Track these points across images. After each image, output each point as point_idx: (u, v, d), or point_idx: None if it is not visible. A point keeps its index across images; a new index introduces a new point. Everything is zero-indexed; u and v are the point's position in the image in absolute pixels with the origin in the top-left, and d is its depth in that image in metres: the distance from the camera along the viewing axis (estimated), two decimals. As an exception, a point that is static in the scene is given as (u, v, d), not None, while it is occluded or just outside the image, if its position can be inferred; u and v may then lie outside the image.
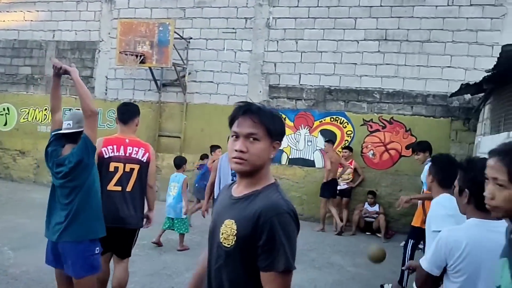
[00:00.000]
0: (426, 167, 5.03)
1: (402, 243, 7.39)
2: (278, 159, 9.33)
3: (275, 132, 1.63)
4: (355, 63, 9.06)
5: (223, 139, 9.58)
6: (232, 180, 4.75)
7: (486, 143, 6.35)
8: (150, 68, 9.68)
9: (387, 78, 8.89)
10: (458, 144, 8.41)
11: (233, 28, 9.82)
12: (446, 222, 2.56)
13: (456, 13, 8.47)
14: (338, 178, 8.43)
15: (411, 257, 4.86)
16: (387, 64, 8.88)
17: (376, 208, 8.36)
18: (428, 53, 8.64)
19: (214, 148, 8.04)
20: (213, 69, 9.96)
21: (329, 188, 8.29)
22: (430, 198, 4.79)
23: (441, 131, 8.39)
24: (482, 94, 7.25)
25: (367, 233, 8.33)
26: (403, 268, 4.62)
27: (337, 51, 9.15)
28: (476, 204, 2.03)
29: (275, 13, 9.55)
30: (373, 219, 8.31)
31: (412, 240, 4.98)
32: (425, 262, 2.12)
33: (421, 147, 5.76)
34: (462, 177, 2.12)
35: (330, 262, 6.21)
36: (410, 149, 8.49)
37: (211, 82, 9.97)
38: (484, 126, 7.25)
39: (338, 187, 8.54)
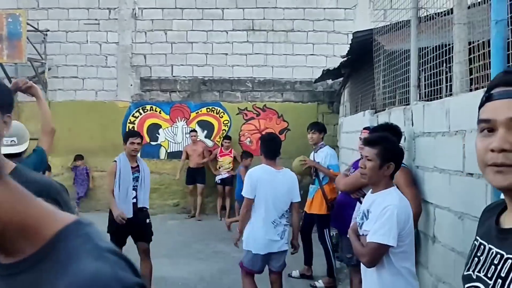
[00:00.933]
0: (326, 151, 5.05)
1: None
2: (157, 153, 9.09)
3: (2, 103, 1.25)
4: (226, 53, 9.19)
5: (94, 138, 9.04)
6: (134, 186, 4.37)
7: (347, 123, 6.97)
8: (1, 64, 8.60)
9: (258, 67, 9.19)
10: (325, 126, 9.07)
11: (96, 19, 9.19)
12: (245, 193, 3.66)
13: (315, 3, 9.06)
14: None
15: (334, 245, 4.88)
16: (256, 53, 9.17)
17: (256, 193, 8.63)
18: (293, 42, 9.13)
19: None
20: (76, 63, 9.24)
21: None
22: (330, 176, 5.01)
23: (309, 114, 8.93)
24: (342, 78, 7.92)
25: (250, 218, 8.59)
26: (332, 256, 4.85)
27: (208, 41, 9.17)
28: (391, 175, 2.40)
29: (140, 3, 9.18)
30: (255, 204, 8.59)
31: (326, 229, 4.96)
32: (383, 237, 2.20)
33: (318, 127, 5.31)
34: (382, 153, 2.35)
35: (216, 251, 6.26)
36: (284, 134, 8.96)
37: (76, 77, 9.24)
38: (345, 108, 7.94)
39: (220, 176, 8.66)
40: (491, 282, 0.94)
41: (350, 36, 8.67)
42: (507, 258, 0.92)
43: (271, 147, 3.78)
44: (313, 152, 5.24)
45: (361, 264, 2.47)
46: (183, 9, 9.15)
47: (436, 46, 3.31)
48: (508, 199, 0.99)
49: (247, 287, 3.76)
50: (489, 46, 2.59)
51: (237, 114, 9.21)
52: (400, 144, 2.68)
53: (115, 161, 4.47)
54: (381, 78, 4.80)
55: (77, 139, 8.68)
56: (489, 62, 2.43)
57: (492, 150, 0.92)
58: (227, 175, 8.70)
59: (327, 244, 4.95)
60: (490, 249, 1.00)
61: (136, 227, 4.39)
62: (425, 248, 3.13)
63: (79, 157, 8.34)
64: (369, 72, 5.41)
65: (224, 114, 9.24)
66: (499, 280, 0.92)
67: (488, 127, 0.95)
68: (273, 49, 9.16)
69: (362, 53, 5.51)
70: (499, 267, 0.94)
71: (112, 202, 4.41)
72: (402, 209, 2.28)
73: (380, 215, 2.25)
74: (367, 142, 2.46)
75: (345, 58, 6.05)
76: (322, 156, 5.02)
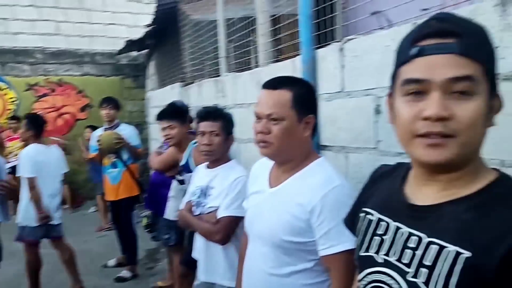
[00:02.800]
0: (128, 130, 4.54)
1: (92, 210, 7.16)
2: None
3: None
4: (6, 18, 7.74)
5: None
6: None
7: (156, 97, 6.68)
8: None
9: (49, 36, 8.02)
10: (131, 101, 8.58)
11: None
12: (30, 169, 3.78)
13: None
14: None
15: (149, 225, 4.21)
16: (46, 20, 7.98)
17: (57, 179, 7.70)
18: (89, 9, 8.26)
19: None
20: None
21: None
22: (138, 156, 4.58)
23: (114, 89, 8.25)
24: (147, 50, 7.54)
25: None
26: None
27: (-20, 2, 7.56)
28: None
29: None
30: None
31: (132, 212, 4.62)
32: (239, 209, 2.00)
33: (115, 102, 4.74)
34: (225, 126, 2.22)
35: (12, 252, 5.33)
36: (86, 111, 8.16)
37: None
38: (152, 81, 7.63)
39: (10, 164, 7.37)
40: (411, 270, 0.78)
41: (153, 5, 8.32)
42: (430, 243, 0.77)
43: (39, 127, 4.03)
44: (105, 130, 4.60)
45: (196, 244, 2.30)
46: None
47: (244, 17, 3.30)
48: (421, 172, 0.84)
49: (33, 258, 3.98)
50: (293, 17, 2.66)
51: (26, 90, 7.91)
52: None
53: None
54: (188, 49, 4.65)
55: None
56: (295, 32, 2.49)
57: (426, 118, 0.75)
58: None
59: (133, 229, 4.63)
60: (398, 228, 0.85)
61: None
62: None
63: None
64: (176, 43, 5.21)
65: (9, 90, 7.83)
66: (424, 270, 0.76)
67: (418, 89, 0.77)
68: (67, 16, 8.11)
69: (168, 23, 5.26)
70: (419, 253, 0.78)
71: None
72: None
73: (230, 188, 2.10)
74: (208, 116, 2.22)
75: (150, 28, 5.70)
76: (125, 135, 4.48)
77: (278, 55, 2.82)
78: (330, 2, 2.18)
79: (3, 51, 7.74)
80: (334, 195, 1.32)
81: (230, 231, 2.09)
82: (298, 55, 2.43)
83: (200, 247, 2.25)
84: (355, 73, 1.85)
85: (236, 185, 2.11)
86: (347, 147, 1.94)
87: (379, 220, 0.90)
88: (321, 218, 1.31)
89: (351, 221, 1.05)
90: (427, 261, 0.75)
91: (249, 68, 3.17)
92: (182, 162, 2.93)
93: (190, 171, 2.86)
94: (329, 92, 2.02)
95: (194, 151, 2.86)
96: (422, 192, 0.84)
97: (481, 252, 0.70)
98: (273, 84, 1.45)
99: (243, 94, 3.03)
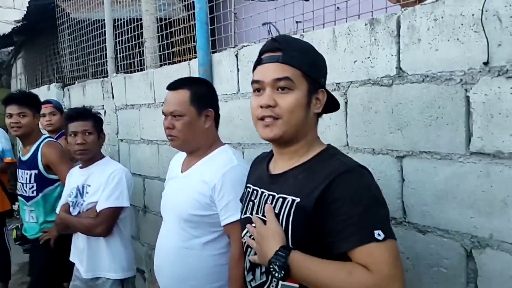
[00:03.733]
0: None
1: None
2: None
3: None
4: None
5: None
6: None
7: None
8: None
9: None
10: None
11: None
12: None
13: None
14: None
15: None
16: None
17: None
18: None
19: None
20: None
21: None
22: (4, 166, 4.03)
23: (-30, 89, 7.39)
24: (12, 47, 6.90)
25: None
26: None
27: None
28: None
29: None
30: None
31: (4, 228, 3.98)
32: (118, 200, 2.17)
33: None
34: (96, 124, 2.29)
35: None
36: None
37: None
38: (20, 81, 7.00)
39: None
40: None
41: (17, 1, 7.66)
42: (278, 198, 1.10)
43: None
44: None
45: (75, 245, 2.28)
46: None
47: (131, 19, 3.30)
48: (274, 149, 1.20)
49: None
50: (185, 22, 2.79)
51: None
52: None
53: None
54: (67, 48, 4.43)
55: None
56: (191, 36, 2.63)
57: (261, 106, 1.08)
58: None
59: (7, 244, 4.05)
60: (262, 192, 1.17)
61: None
62: (135, 221, 3.16)
63: None
64: (51, 41, 4.91)
65: None
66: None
67: (258, 87, 1.11)
68: None
69: (41, 19, 4.92)
70: (272, 206, 1.10)
71: None
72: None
73: (107, 182, 2.18)
74: (78, 116, 2.25)
75: (19, 24, 5.26)
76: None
77: (171, 58, 2.91)
78: (223, 11, 2.36)
79: None
80: (232, 173, 1.55)
81: (111, 222, 2.18)
82: (191, 58, 2.56)
83: (81, 246, 2.26)
84: (250, 76, 2.04)
85: (113, 178, 2.20)
86: (244, 143, 2.13)
87: (253, 190, 1.23)
88: (221, 193, 1.54)
89: (242, 198, 1.35)
90: (276, 210, 1.08)
91: (140, 70, 3.19)
92: (26, 157, 2.69)
93: (34, 167, 2.63)
94: (225, 94, 2.19)
95: (45, 146, 2.67)
96: (277, 165, 1.19)
97: (306, 197, 1.03)
98: (174, 85, 1.66)
99: (134, 95, 3.04)
